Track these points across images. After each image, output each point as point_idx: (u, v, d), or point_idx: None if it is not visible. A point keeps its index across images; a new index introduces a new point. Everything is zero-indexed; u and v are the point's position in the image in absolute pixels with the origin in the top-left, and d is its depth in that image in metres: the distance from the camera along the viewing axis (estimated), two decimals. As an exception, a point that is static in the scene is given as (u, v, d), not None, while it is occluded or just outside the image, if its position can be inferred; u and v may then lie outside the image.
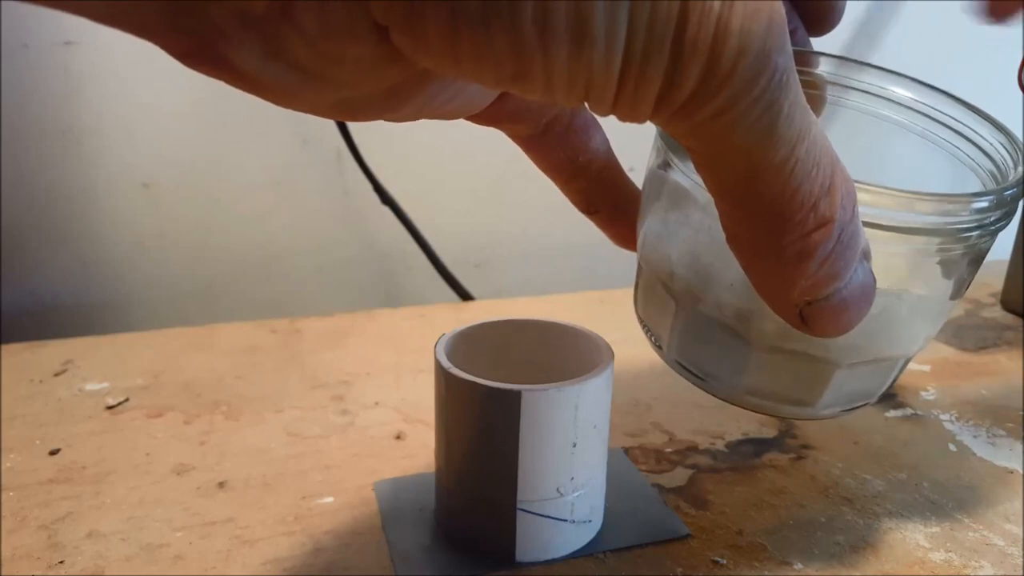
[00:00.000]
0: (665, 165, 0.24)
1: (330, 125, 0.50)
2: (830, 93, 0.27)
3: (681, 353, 0.26)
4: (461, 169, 0.55)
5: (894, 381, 0.26)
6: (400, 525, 0.28)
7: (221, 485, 0.31)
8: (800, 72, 0.27)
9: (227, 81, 0.16)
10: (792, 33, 0.26)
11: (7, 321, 0.49)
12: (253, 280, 0.54)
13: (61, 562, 0.26)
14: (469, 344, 0.28)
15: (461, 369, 0.25)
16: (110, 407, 0.36)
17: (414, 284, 0.57)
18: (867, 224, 0.20)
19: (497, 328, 0.29)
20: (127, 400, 0.37)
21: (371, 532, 0.28)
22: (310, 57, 0.15)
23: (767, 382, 0.25)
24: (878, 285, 0.20)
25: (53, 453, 0.32)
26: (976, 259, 0.24)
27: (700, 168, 0.17)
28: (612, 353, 0.27)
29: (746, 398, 0.25)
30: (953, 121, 0.26)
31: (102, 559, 0.26)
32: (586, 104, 0.15)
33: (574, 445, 0.25)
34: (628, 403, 0.37)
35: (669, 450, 0.33)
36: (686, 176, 0.23)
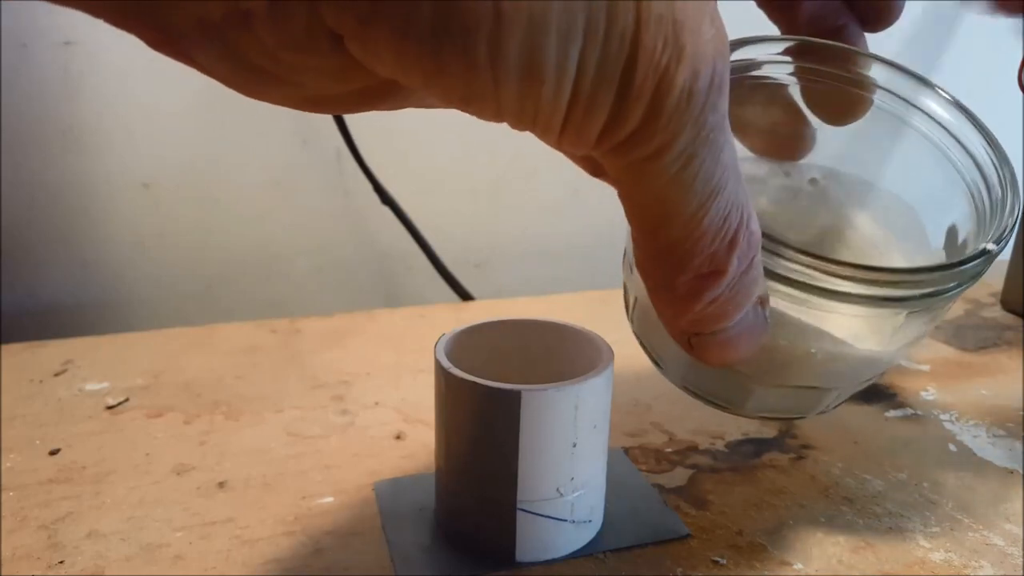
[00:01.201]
0: None
1: (330, 125, 0.50)
2: (878, 97, 0.27)
3: (638, 329, 0.27)
4: (461, 169, 0.55)
5: (833, 405, 0.27)
6: (400, 525, 0.28)
7: (221, 485, 0.31)
8: (850, 72, 0.27)
9: (198, 70, 0.16)
10: (842, 29, 0.26)
11: (7, 321, 0.49)
12: (253, 280, 0.54)
13: (61, 562, 0.26)
14: (469, 344, 0.28)
15: (461, 369, 0.25)
16: (110, 407, 0.36)
17: (414, 284, 0.57)
18: (782, 280, 0.21)
19: (497, 328, 0.29)
20: (127, 400, 0.37)
21: (371, 532, 0.28)
22: (271, 64, 0.15)
23: (699, 377, 0.26)
24: (796, 322, 0.22)
25: (53, 453, 0.32)
26: (921, 320, 0.24)
27: (623, 200, 0.18)
28: (612, 353, 0.27)
29: (686, 387, 0.26)
30: (972, 145, 0.27)
31: (102, 559, 0.26)
32: (534, 132, 0.16)
33: (574, 445, 0.25)
34: (628, 403, 0.37)
35: (669, 450, 0.33)
36: None
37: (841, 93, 0.27)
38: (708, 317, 0.19)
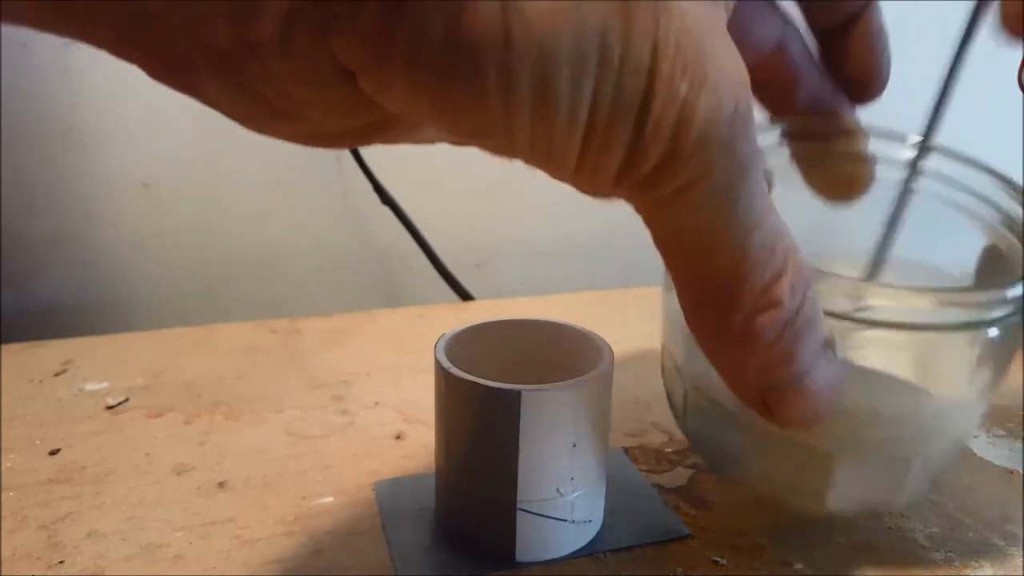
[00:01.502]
0: None
1: (330, 125, 0.50)
2: (879, 170, 0.27)
3: (694, 426, 0.27)
4: (461, 169, 0.55)
5: (923, 483, 0.25)
6: (400, 525, 0.28)
7: (221, 485, 0.31)
8: (848, 150, 0.26)
9: (200, 101, 0.16)
10: (836, 111, 0.25)
11: (7, 321, 0.49)
12: (253, 280, 0.54)
13: (61, 562, 0.26)
14: (469, 344, 0.28)
15: (461, 369, 0.25)
16: (110, 407, 0.36)
17: (414, 284, 0.57)
18: (847, 319, 0.20)
19: (497, 328, 0.29)
20: (127, 400, 0.37)
21: (371, 532, 0.28)
22: (278, 97, 0.15)
23: (774, 468, 0.25)
24: (868, 372, 0.21)
25: (53, 453, 0.32)
26: (990, 355, 0.23)
27: (657, 242, 0.17)
28: (612, 353, 0.27)
29: (758, 484, 0.25)
30: (987, 190, 0.26)
31: (102, 559, 0.26)
32: (548, 170, 0.15)
33: (574, 445, 0.25)
34: (628, 403, 0.37)
35: (669, 450, 0.33)
36: None
37: (842, 172, 0.26)
38: (774, 361, 0.18)
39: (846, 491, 0.24)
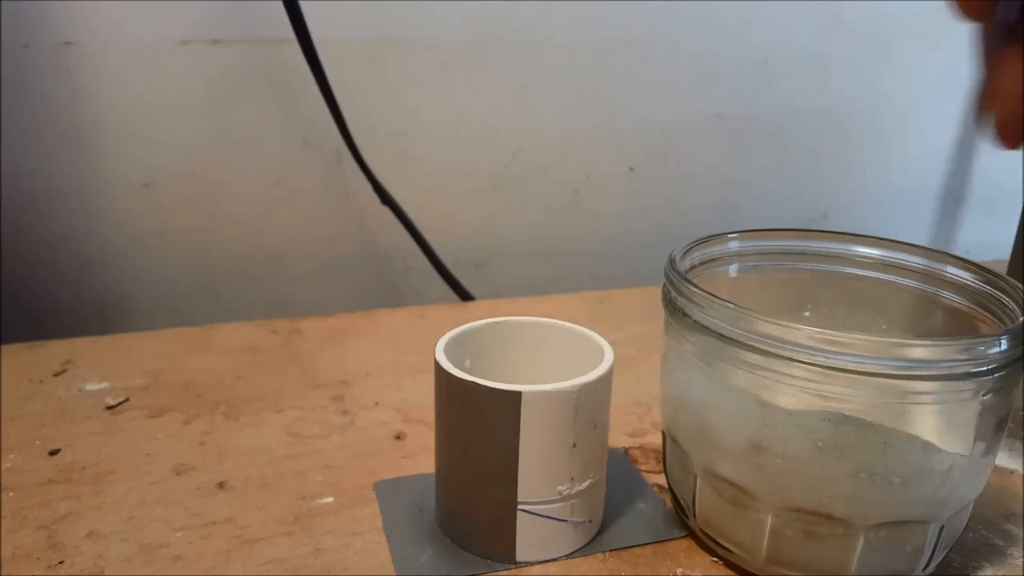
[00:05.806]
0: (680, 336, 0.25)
1: (330, 125, 0.50)
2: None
3: (704, 519, 0.27)
4: (461, 169, 0.55)
5: (938, 551, 0.25)
6: (400, 525, 0.28)
7: (221, 485, 0.31)
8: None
9: None
10: None
11: (7, 321, 0.49)
12: (253, 280, 0.54)
13: (61, 562, 0.26)
14: (469, 344, 0.28)
15: (461, 369, 0.25)
16: (110, 407, 0.36)
17: (414, 284, 0.57)
18: (862, 374, 0.21)
19: (497, 328, 0.29)
20: (127, 400, 0.37)
21: (371, 532, 0.28)
22: None
23: (791, 551, 0.24)
24: (882, 428, 0.22)
25: (53, 453, 0.32)
26: (994, 407, 0.23)
27: None
28: (612, 353, 0.27)
29: (775, 570, 0.25)
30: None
31: (102, 559, 0.26)
32: None
33: (574, 445, 0.25)
34: (628, 403, 0.37)
35: (669, 450, 0.33)
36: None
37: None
38: None
39: (867, 560, 0.24)
